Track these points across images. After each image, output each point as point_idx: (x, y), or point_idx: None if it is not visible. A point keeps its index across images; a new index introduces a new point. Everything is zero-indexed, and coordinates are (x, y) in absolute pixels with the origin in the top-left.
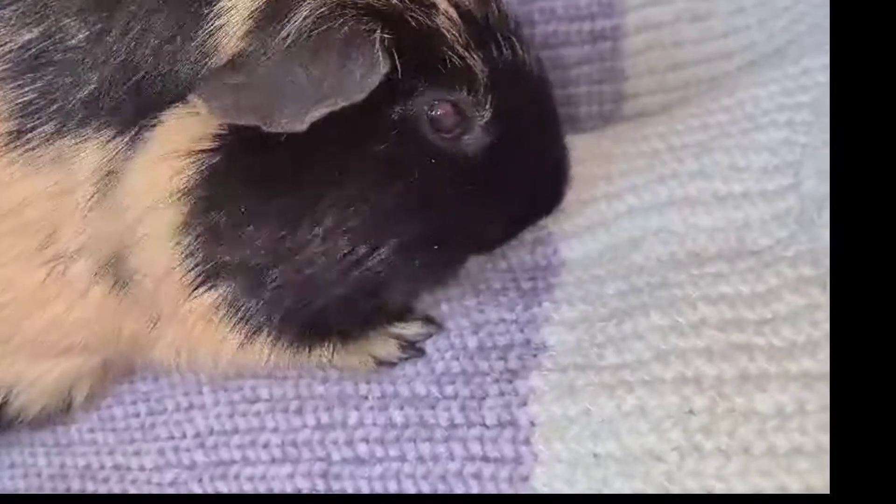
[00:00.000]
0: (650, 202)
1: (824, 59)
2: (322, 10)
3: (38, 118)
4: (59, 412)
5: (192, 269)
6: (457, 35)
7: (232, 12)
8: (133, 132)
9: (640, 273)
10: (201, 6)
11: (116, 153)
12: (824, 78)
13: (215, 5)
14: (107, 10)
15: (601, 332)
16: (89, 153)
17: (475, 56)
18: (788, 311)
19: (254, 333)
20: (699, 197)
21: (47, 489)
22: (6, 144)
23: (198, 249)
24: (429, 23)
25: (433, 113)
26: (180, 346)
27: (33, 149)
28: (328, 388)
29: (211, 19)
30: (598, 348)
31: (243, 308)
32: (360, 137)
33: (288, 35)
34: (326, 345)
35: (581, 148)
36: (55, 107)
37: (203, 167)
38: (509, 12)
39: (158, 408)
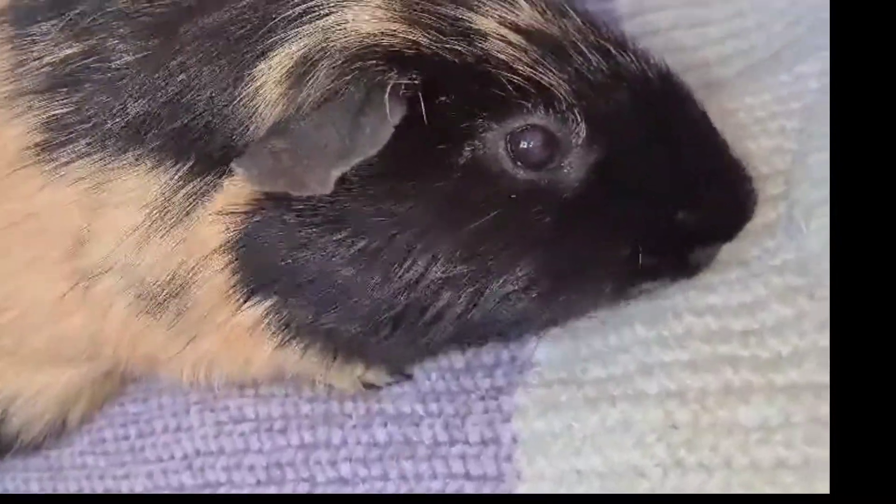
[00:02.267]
0: None
1: (818, 65)
2: (339, 62)
3: (70, 133)
4: (54, 434)
5: (240, 289)
6: (517, 55)
7: (268, 74)
8: (182, 173)
9: None
10: (246, 67)
11: (169, 193)
12: (817, 84)
13: (254, 68)
14: (159, 38)
15: (586, 346)
16: (130, 180)
17: (546, 72)
18: (775, 321)
19: (290, 339)
20: None
21: None
22: (33, 155)
23: (248, 281)
24: (472, 50)
25: (517, 145)
26: (204, 360)
27: (64, 164)
28: (314, 406)
29: (249, 82)
30: (583, 362)
31: (287, 314)
32: (417, 184)
33: (311, 95)
34: (356, 362)
35: None
36: (90, 124)
37: (241, 227)
38: (594, 20)
39: (147, 429)
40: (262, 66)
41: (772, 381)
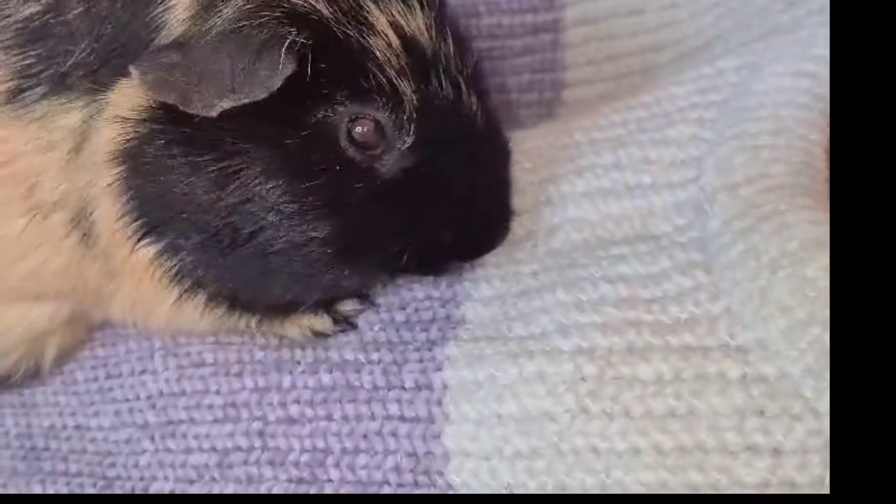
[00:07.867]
0: (568, 192)
1: (737, 60)
2: (248, 6)
3: (35, 80)
4: (29, 374)
5: (132, 223)
6: (390, 58)
7: None
8: (101, 95)
9: (555, 256)
10: None
11: (89, 114)
12: (735, 78)
13: None
14: None
15: (513, 308)
16: (71, 115)
17: (406, 82)
18: (677, 290)
19: (188, 292)
20: (612, 188)
21: (14, 447)
22: (5, 102)
23: (133, 207)
24: (359, 39)
25: (353, 127)
26: (134, 302)
27: (26, 106)
28: (267, 353)
29: (163, 2)
30: (509, 322)
31: (179, 262)
32: (277, 129)
33: (215, 26)
34: (257, 316)
35: (514, 143)
36: (50, 71)
37: (132, 134)
38: (467, 53)
39: (115, 372)
40: None
41: (668, 342)
